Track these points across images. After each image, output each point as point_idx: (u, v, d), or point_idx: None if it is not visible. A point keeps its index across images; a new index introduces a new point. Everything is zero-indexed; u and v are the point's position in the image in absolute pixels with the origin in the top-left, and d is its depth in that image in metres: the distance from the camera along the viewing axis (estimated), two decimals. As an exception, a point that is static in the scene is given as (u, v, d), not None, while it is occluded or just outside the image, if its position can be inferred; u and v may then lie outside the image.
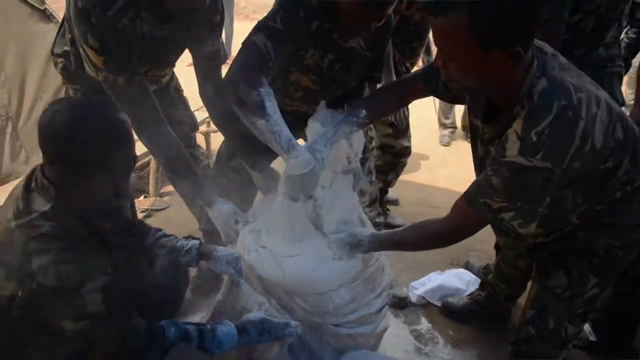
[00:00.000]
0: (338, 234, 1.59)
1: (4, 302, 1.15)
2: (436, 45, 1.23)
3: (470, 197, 1.33)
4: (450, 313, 2.28)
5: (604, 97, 1.27)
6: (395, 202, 3.26)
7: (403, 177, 3.32)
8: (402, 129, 2.62)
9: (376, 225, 2.11)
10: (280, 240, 1.63)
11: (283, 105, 1.77)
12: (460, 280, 2.41)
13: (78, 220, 1.21)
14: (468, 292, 2.33)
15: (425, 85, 1.60)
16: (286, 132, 1.43)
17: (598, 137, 1.21)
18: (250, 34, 1.56)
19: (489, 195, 1.26)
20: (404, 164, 2.85)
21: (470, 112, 1.48)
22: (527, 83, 1.20)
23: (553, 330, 1.52)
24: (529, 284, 1.92)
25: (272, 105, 1.45)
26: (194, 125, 2.24)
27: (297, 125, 1.63)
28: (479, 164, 1.49)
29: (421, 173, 3.94)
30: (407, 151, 2.77)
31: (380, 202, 2.92)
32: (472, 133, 1.52)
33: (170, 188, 3.18)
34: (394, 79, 2.38)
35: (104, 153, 1.17)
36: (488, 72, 1.20)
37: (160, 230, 1.63)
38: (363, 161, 2.02)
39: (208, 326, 1.34)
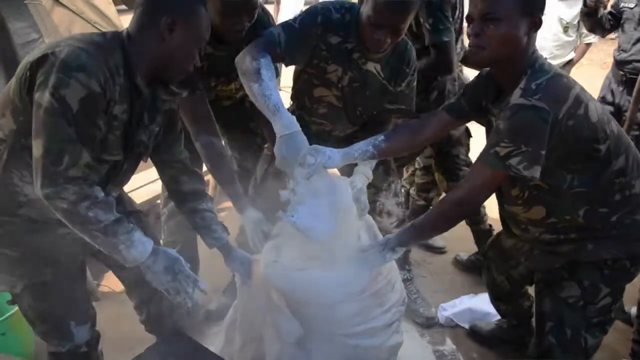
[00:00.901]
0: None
1: None
2: (479, 11, 1.40)
3: (481, 154, 1.46)
4: (477, 336, 2.28)
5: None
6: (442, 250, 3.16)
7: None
8: None
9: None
10: (293, 256, 1.79)
11: (309, 124, 1.96)
12: (491, 305, 2.40)
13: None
14: (498, 317, 2.29)
15: (448, 114, 1.70)
16: (276, 96, 1.63)
17: (592, 111, 1.41)
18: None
19: (497, 143, 1.39)
20: None
21: (485, 112, 1.63)
22: (531, 59, 1.44)
23: (571, 339, 1.57)
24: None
25: (267, 73, 1.65)
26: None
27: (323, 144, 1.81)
28: None
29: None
30: None
31: None
32: (487, 133, 1.64)
33: (227, 204, 3.49)
34: None
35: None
36: (517, 40, 1.41)
37: (212, 201, 1.77)
38: (388, 185, 2.13)
39: (133, 225, 1.35)
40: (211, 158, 1.90)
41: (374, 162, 1.89)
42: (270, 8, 4.35)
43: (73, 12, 3.00)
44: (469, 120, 1.75)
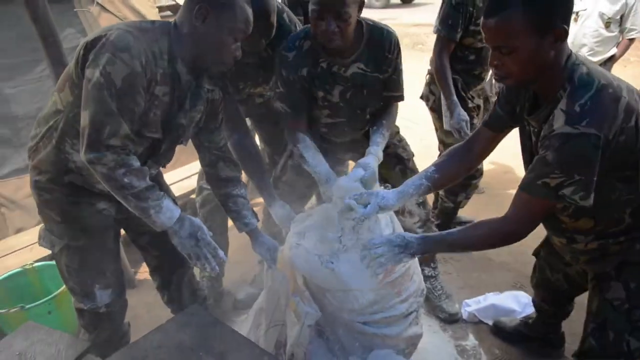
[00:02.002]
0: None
1: None
2: (492, 44, 1.34)
3: (526, 184, 1.37)
4: (500, 333, 2.27)
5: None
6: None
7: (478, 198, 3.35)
8: None
9: None
10: (316, 241, 1.86)
11: (320, 141, 2.06)
12: (516, 302, 2.39)
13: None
14: (523, 315, 2.30)
15: (490, 130, 1.68)
16: (324, 169, 1.88)
17: None
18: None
19: (546, 174, 1.30)
20: (475, 186, 2.89)
21: (519, 118, 1.56)
22: (568, 69, 1.32)
23: (613, 342, 1.51)
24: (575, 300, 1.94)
25: (310, 154, 1.91)
26: None
27: (340, 152, 1.95)
28: (529, 163, 1.53)
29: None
30: (477, 173, 2.82)
31: (449, 222, 2.99)
32: (522, 138, 1.60)
33: (259, 200, 3.59)
34: (455, 100, 2.52)
35: None
36: (542, 58, 1.31)
37: (246, 188, 1.87)
38: None
39: (164, 194, 1.47)
40: (242, 155, 2.01)
41: (383, 144, 1.95)
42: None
43: (118, 17, 3.20)
44: (511, 129, 1.67)
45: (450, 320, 2.35)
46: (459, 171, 1.75)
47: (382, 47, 1.89)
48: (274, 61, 2.00)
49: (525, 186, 1.38)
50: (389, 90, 2.01)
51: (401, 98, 2.07)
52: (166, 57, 1.42)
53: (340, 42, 1.77)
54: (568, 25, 1.31)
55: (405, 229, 2.18)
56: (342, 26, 1.72)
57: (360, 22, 1.86)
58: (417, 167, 2.23)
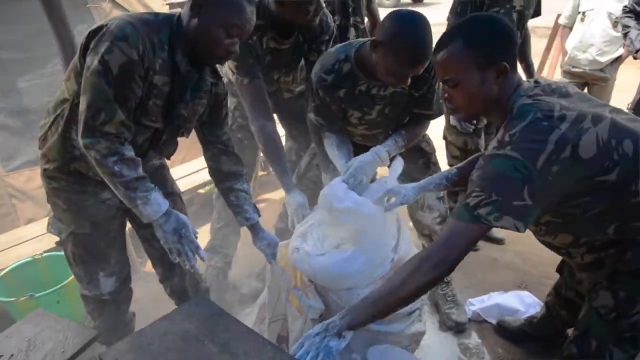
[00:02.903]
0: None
1: None
2: (440, 77, 1.43)
3: (454, 210, 1.38)
4: (503, 332, 2.28)
5: (611, 118, 1.31)
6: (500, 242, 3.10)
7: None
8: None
9: None
10: (316, 242, 1.88)
11: (354, 144, 2.08)
12: (520, 302, 2.39)
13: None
14: (527, 315, 2.30)
15: None
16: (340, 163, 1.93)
17: (586, 148, 1.25)
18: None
19: (468, 195, 1.30)
20: None
21: None
22: (511, 100, 1.37)
23: (595, 351, 1.48)
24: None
25: (331, 150, 1.98)
26: None
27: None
28: None
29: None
30: None
31: None
32: None
33: (266, 195, 3.64)
34: None
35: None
36: (486, 92, 1.38)
37: (248, 183, 1.90)
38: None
39: (154, 187, 1.48)
40: (265, 138, 2.06)
41: (392, 149, 1.96)
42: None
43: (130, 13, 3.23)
44: None
45: (457, 329, 2.31)
46: None
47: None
48: (303, 47, 2.07)
49: (452, 211, 1.41)
50: (420, 107, 1.99)
51: (431, 117, 2.04)
52: (166, 47, 1.44)
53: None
54: (512, 62, 1.38)
55: (424, 226, 2.24)
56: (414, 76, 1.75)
57: None
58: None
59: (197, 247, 1.55)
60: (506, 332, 2.28)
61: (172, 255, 1.54)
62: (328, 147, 2.00)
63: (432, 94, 1.95)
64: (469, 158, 1.84)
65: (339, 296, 1.84)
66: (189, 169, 3.25)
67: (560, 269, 2.01)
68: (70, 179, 1.60)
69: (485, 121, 2.71)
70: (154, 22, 1.43)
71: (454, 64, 1.37)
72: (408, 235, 1.87)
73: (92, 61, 1.33)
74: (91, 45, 1.36)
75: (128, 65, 1.34)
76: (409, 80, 1.75)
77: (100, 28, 1.37)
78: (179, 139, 1.72)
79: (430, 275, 1.30)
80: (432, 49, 1.56)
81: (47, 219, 2.68)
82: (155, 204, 1.47)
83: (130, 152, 1.42)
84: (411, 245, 1.87)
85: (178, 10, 5.71)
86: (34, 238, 2.56)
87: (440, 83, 1.47)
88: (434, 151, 2.25)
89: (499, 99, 1.38)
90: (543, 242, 1.65)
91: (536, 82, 1.43)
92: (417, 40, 1.63)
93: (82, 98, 1.37)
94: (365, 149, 2.02)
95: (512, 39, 1.38)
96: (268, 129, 2.07)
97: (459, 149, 2.75)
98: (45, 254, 2.38)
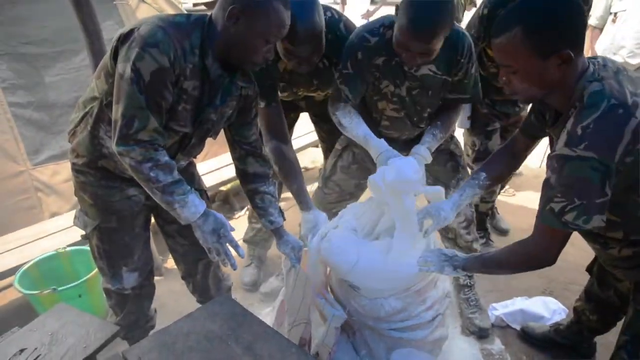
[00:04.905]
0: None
1: None
2: (499, 62, 1.35)
3: (539, 211, 1.35)
4: (527, 339, 2.23)
5: None
6: (505, 232, 3.15)
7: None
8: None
9: (470, 251, 2.18)
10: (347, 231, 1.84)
11: (378, 133, 2.02)
12: (545, 308, 2.34)
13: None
14: (552, 322, 2.25)
15: (524, 137, 1.69)
16: (361, 130, 1.93)
17: None
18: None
19: (550, 198, 1.28)
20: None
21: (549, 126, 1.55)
22: (579, 86, 1.28)
23: None
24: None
25: (347, 120, 1.95)
26: None
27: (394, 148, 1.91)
28: None
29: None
30: None
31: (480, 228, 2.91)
32: (551, 147, 1.57)
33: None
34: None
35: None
36: (547, 79, 1.30)
37: (274, 185, 1.85)
38: (457, 181, 2.12)
39: (190, 188, 1.49)
40: (278, 159, 2.01)
41: (433, 145, 1.92)
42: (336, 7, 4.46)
43: (156, 10, 3.25)
44: (544, 136, 1.64)
45: (480, 335, 2.26)
46: (504, 175, 1.84)
47: (456, 50, 1.82)
48: (330, 72, 2.00)
49: (538, 213, 1.36)
50: (456, 92, 1.95)
51: (469, 100, 2.02)
52: (197, 52, 1.42)
53: (421, 64, 1.78)
54: (578, 47, 1.27)
55: (449, 229, 2.20)
56: (425, 58, 1.72)
57: None
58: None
59: (236, 245, 1.56)
60: (530, 338, 2.23)
61: (211, 254, 1.55)
62: (343, 117, 1.95)
63: (469, 79, 1.91)
64: (492, 156, 1.80)
65: (360, 305, 1.81)
66: (211, 167, 3.26)
67: (590, 269, 1.95)
68: (97, 174, 1.61)
69: (497, 124, 2.64)
70: (185, 26, 1.41)
71: (512, 52, 1.28)
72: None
73: (124, 68, 1.32)
74: (122, 51, 1.35)
75: (159, 72, 1.33)
76: (417, 59, 1.69)
77: (131, 32, 1.36)
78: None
79: (526, 269, 1.47)
80: (437, 26, 1.58)
81: (71, 212, 2.72)
82: (193, 206, 1.48)
83: (164, 157, 1.42)
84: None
85: (201, 8, 5.72)
86: (59, 232, 2.58)
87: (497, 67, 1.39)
88: (462, 154, 2.21)
89: (562, 84, 1.30)
90: (584, 232, 1.56)
91: (602, 61, 1.34)
92: (416, 13, 1.59)
93: (116, 106, 1.36)
94: (391, 143, 1.98)
95: (579, 22, 1.27)
96: (282, 149, 2.03)
97: (470, 149, 2.70)
98: (69, 248, 2.40)
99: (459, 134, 2.61)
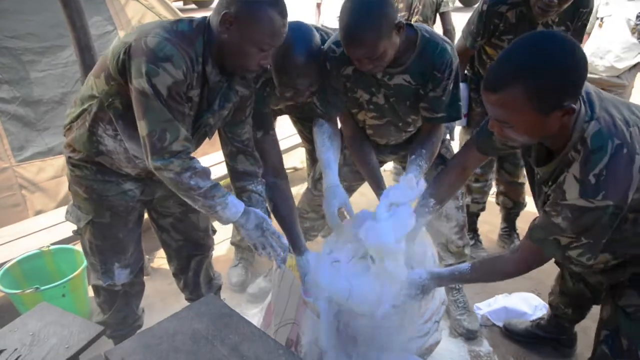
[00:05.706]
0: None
1: None
2: (493, 116, 1.26)
3: (538, 239, 1.37)
4: (511, 334, 2.25)
5: None
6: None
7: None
8: None
9: (461, 256, 2.18)
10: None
11: (367, 139, 2.03)
12: (527, 305, 2.38)
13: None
14: (534, 317, 2.28)
15: (480, 153, 1.68)
16: (327, 156, 1.91)
17: None
18: None
19: (557, 233, 1.30)
20: (479, 190, 2.84)
21: (525, 156, 1.55)
22: (577, 128, 1.25)
23: (627, 350, 1.49)
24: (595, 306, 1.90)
25: (320, 138, 1.94)
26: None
27: (383, 154, 1.93)
28: (538, 201, 1.54)
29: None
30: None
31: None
32: (529, 175, 1.59)
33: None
34: None
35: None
36: (546, 130, 1.24)
37: (263, 185, 1.80)
38: None
39: (228, 192, 1.51)
40: (274, 196, 1.91)
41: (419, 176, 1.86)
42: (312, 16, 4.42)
43: (145, 6, 3.21)
44: (495, 156, 1.67)
45: (469, 337, 2.27)
46: (455, 189, 1.86)
47: (432, 63, 1.75)
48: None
49: (535, 237, 1.38)
50: (432, 109, 1.84)
51: (442, 120, 1.87)
52: (200, 59, 1.41)
53: (378, 70, 1.72)
54: (577, 97, 1.22)
55: (441, 234, 2.18)
56: (376, 63, 1.65)
57: (415, 32, 1.74)
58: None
59: (280, 237, 1.59)
60: (513, 334, 2.26)
61: (257, 250, 1.58)
62: (318, 134, 1.93)
63: (446, 96, 1.82)
64: (442, 174, 1.80)
65: (359, 321, 1.74)
66: (207, 162, 3.22)
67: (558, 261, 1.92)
68: (94, 168, 1.61)
69: None
70: (189, 34, 1.39)
71: (511, 110, 1.19)
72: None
73: (141, 84, 1.31)
74: (133, 66, 1.33)
75: (176, 86, 1.34)
76: (368, 65, 1.64)
77: (137, 45, 1.33)
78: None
79: (504, 279, 1.56)
80: (367, 31, 1.53)
81: (56, 210, 2.69)
82: (233, 207, 1.50)
83: (199, 164, 1.44)
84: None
85: (191, 7, 5.69)
86: (42, 230, 2.54)
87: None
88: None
89: (561, 129, 1.25)
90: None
91: (587, 93, 1.29)
92: (347, 20, 1.57)
93: (141, 123, 1.35)
94: (380, 148, 1.97)
95: (584, 72, 1.18)
96: (280, 187, 1.94)
97: None
98: (52, 247, 2.36)
99: (457, 132, 2.61)
